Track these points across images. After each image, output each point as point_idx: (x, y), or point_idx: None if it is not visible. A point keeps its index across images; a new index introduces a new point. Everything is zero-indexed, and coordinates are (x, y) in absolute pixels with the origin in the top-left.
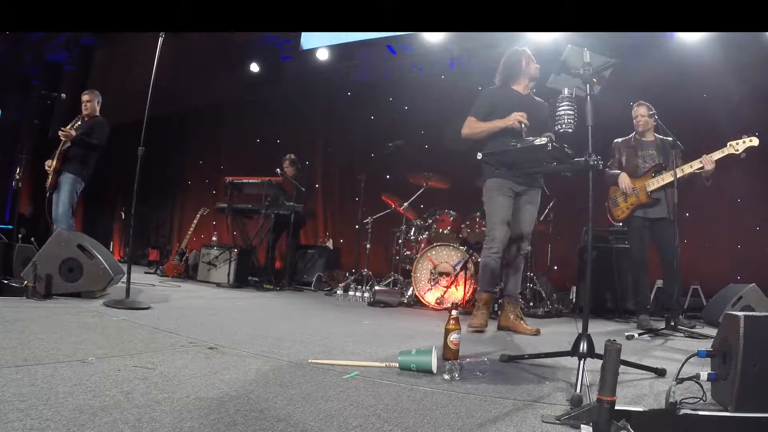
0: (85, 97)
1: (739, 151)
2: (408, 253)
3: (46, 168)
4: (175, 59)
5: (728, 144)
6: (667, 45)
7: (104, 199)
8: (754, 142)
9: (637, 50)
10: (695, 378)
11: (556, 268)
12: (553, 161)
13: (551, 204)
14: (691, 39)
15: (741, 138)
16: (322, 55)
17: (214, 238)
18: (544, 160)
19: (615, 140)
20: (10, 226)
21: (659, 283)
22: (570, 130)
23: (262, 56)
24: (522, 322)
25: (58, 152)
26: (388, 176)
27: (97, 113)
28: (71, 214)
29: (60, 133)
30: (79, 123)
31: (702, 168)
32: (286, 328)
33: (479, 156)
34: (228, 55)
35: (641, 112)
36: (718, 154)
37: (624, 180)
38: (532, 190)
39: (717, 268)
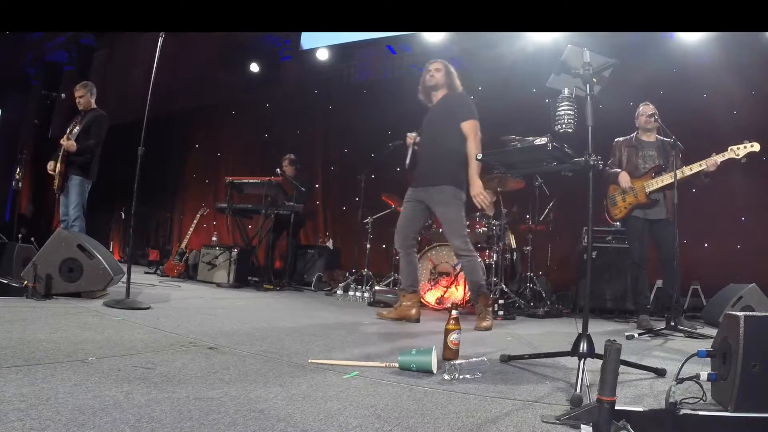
0: (78, 93)
1: (740, 156)
2: None
3: (49, 171)
4: (175, 59)
5: (729, 148)
6: (667, 45)
7: (104, 199)
8: (756, 147)
9: (637, 50)
10: (695, 378)
11: (556, 268)
12: (553, 161)
13: (551, 204)
14: (691, 39)
15: (742, 143)
16: (322, 55)
17: (214, 238)
18: (544, 160)
19: (616, 139)
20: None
21: (659, 283)
22: (570, 130)
23: (262, 56)
24: (479, 316)
25: (60, 156)
26: (388, 176)
27: (93, 105)
28: (83, 216)
29: (62, 142)
30: (78, 128)
31: (702, 170)
32: (286, 328)
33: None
34: (228, 55)
35: (647, 111)
36: (719, 158)
37: (624, 178)
38: (431, 188)
39: (717, 268)
